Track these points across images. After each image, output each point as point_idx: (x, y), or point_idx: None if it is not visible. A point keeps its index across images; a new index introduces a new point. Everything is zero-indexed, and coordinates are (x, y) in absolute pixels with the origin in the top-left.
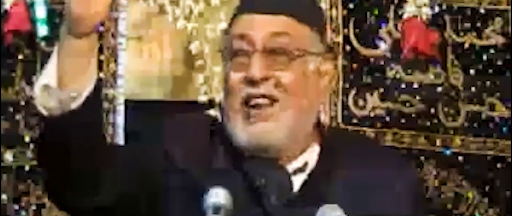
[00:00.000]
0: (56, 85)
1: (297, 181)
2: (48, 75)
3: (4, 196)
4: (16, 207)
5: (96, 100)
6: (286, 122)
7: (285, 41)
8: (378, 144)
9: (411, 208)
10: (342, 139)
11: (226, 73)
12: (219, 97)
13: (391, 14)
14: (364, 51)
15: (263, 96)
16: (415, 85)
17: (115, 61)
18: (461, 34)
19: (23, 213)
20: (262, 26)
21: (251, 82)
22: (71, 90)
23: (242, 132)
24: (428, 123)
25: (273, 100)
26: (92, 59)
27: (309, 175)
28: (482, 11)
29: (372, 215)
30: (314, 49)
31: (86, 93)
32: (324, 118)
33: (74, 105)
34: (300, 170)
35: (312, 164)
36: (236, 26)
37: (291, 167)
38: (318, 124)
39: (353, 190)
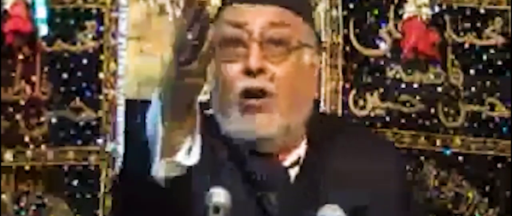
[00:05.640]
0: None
1: (292, 174)
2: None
3: (4, 196)
4: (16, 207)
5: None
6: (280, 116)
7: (285, 31)
8: (359, 128)
9: (397, 185)
10: (325, 126)
11: (217, 64)
12: None
13: (391, 14)
14: (364, 51)
15: (259, 90)
16: (415, 85)
17: (115, 61)
18: (461, 34)
19: (23, 213)
20: (259, 16)
21: (248, 72)
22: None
23: (238, 123)
24: (428, 123)
25: (268, 94)
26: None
27: (301, 167)
28: (482, 11)
29: (362, 197)
30: (309, 41)
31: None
32: (325, 108)
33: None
34: (295, 163)
35: (303, 156)
36: (229, 14)
37: (287, 161)
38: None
39: (342, 175)
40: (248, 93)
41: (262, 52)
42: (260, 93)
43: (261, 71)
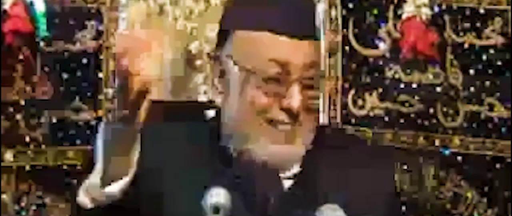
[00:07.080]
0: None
1: (287, 181)
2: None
3: (4, 196)
4: (16, 207)
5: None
6: (305, 141)
7: (317, 70)
8: (358, 140)
9: (384, 203)
10: (323, 139)
11: (245, 87)
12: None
13: (390, 14)
14: (363, 51)
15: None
16: (414, 85)
17: (115, 61)
18: (461, 34)
19: (23, 213)
20: (298, 55)
21: (289, 112)
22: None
23: (263, 150)
24: (427, 123)
25: (300, 122)
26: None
27: (295, 175)
28: (482, 11)
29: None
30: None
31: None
32: (323, 119)
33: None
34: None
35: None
36: (267, 48)
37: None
38: None
39: (337, 184)
40: (281, 124)
41: (301, 92)
42: (292, 124)
43: (301, 109)
